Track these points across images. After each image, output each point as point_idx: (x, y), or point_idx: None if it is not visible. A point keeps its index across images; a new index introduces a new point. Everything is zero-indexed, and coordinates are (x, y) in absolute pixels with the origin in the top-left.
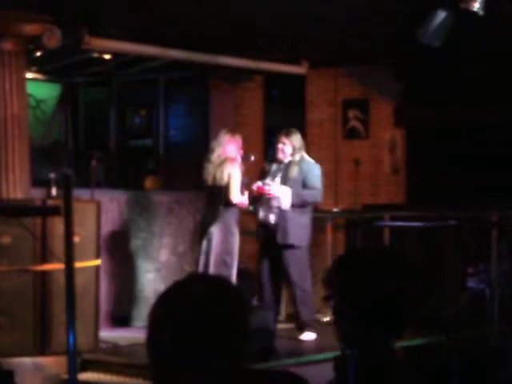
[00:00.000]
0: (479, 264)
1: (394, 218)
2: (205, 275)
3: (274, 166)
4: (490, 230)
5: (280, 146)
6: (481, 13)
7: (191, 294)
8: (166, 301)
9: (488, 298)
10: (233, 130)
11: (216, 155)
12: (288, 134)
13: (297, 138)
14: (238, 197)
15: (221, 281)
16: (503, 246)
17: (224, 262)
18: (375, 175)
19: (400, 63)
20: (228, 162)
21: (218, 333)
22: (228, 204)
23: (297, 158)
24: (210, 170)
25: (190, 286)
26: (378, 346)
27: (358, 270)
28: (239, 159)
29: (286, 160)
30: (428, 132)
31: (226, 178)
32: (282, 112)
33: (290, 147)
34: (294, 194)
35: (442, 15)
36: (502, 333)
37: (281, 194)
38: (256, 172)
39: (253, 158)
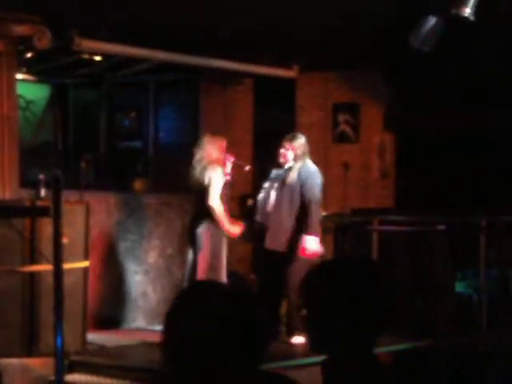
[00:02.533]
0: (468, 269)
1: (382, 223)
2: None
3: (274, 171)
4: (479, 235)
5: (282, 150)
6: (472, 18)
7: (209, 301)
8: (184, 308)
9: (476, 304)
10: (214, 133)
11: (197, 159)
12: (292, 140)
13: (300, 144)
14: (216, 201)
15: (233, 287)
16: (491, 252)
17: (211, 266)
18: (364, 179)
19: (390, 68)
20: (209, 165)
21: (237, 339)
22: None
23: (298, 164)
24: (193, 175)
25: (205, 292)
26: (352, 352)
27: (328, 280)
28: (223, 161)
29: (287, 166)
30: (417, 136)
31: (207, 182)
32: (272, 115)
33: (291, 153)
34: (312, 229)
35: (432, 21)
36: (489, 338)
37: (317, 247)
38: (244, 178)
39: (247, 167)
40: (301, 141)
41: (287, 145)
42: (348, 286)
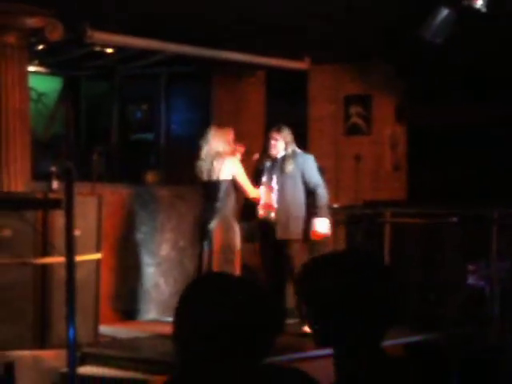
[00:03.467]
0: (479, 261)
1: (394, 215)
2: (230, 275)
3: (268, 163)
4: (491, 227)
5: (273, 142)
6: (484, 10)
7: (225, 293)
8: (196, 300)
9: (488, 296)
10: (220, 124)
11: (205, 152)
12: (279, 130)
13: (287, 133)
14: (255, 192)
15: (250, 281)
16: (503, 244)
17: (226, 259)
18: (376, 171)
19: (402, 60)
20: (226, 156)
21: (250, 332)
22: (227, 199)
23: (289, 151)
24: (203, 167)
25: (221, 285)
26: (355, 346)
27: (324, 274)
28: (232, 152)
29: (279, 155)
30: (429, 128)
31: (225, 174)
32: (284, 107)
33: (282, 142)
34: (321, 212)
35: (444, 12)
36: (501, 330)
37: (326, 228)
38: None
39: (256, 156)
40: (287, 130)
41: (276, 136)
42: (351, 280)
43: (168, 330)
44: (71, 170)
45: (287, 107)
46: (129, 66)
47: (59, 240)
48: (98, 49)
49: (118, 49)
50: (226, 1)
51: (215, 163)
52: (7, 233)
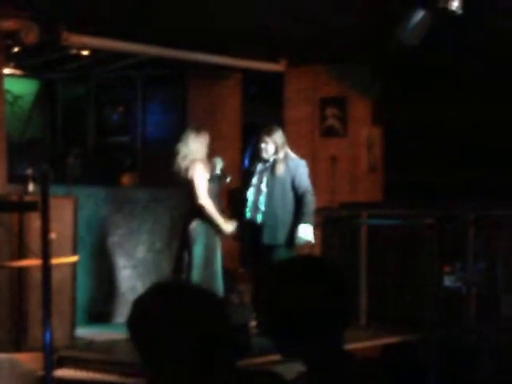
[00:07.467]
0: (456, 263)
1: (371, 216)
2: (178, 282)
3: (259, 166)
4: (467, 228)
5: (263, 145)
6: (459, 12)
7: (165, 302)
8: (142, 308)
9: (464, 297)
10: (198, 128)
11: (181, 156)
12: (269, 133)
13: (279, 136)
14: (205, 199)
15: (194, 287)
16: (480, 245)
17: (208, 260)
18: (353, 173)
19: (378, 62)
20: (191, 163)
21: (193, 338)
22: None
23: (281, 155)
24: (179, 172)
25: (164, 293)
26: (318, 353)
27: (272, 284)
28: (208, 156)
29: (271, 158)
30: (405, 130)
31: (190, 179)
32: (260, 110)
33: (272, 145)
34: (307, 218)
35: (420, 14)
36: (477, 331)
37: (310, 235)
38: (232, 173)
39: (229, 179)
40: (279, 132)
41: (266, 138)
42: (308, 289)
43: None
44: (47, 173)
45: (263, 109)
46: (105, 69)
47: (35, 243)
48: (73, 51)
49: (94, 51)
50: (202, 4)
51: (187, 170)
52: None
